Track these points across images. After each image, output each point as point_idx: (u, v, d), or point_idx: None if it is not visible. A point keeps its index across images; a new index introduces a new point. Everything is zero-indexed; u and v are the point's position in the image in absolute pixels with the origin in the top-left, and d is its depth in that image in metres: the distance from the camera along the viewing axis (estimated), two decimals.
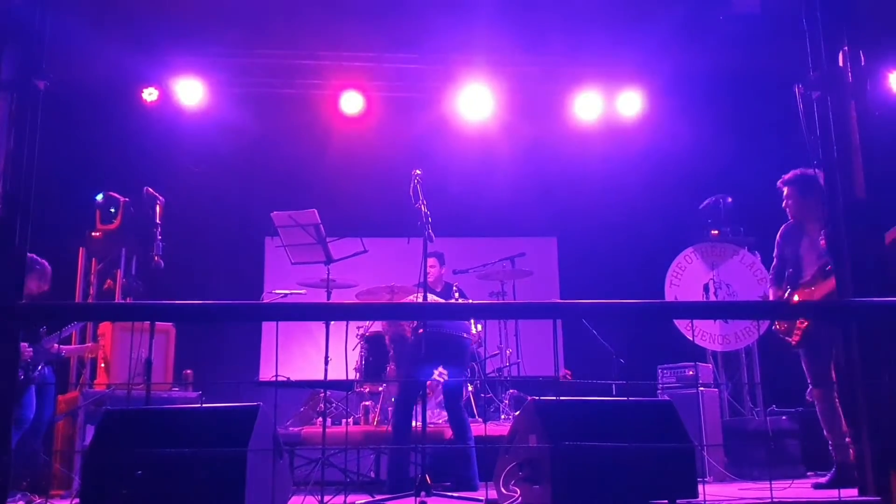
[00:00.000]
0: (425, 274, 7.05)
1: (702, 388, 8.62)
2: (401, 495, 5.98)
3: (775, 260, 7.31)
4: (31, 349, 7.01)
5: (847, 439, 6.60)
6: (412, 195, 6.96)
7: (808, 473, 8.15)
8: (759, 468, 8.09)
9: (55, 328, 7.67)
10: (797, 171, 7.08)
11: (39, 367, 7.30)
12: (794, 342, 6.97)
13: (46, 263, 7.68)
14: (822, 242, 6.74)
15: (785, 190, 7.13)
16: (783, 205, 7.13)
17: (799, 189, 7.04)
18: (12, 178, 5.24)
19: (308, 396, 9.84)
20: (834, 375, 6.76)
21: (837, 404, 6.81)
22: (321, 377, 7.07)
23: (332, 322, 7.02)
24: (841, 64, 5.56)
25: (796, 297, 7.00)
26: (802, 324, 6.90)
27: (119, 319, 7.87)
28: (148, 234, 8.10)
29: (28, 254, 5.40)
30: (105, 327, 8.14)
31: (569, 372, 10.47)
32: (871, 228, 5.44)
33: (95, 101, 10.44)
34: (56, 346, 7.82)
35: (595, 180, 11.35)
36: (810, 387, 6.99)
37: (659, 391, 8.95)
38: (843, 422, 6.72)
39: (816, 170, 6.42)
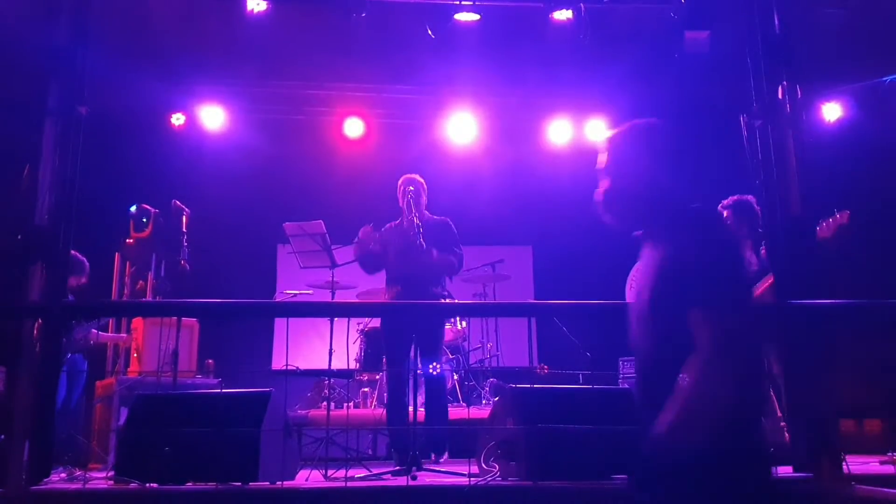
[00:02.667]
0: (415, 277, 7.01)
1: None
2: (394, 470, 5.96)
3: None
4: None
5: (782, 423, 6.61)
6: (406, 208, 6.95)
7: None
8: None
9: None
10: (734, 197, 7.12)
11: (68, 356, 7.31)
12: None
13: (83, 258, 7.68)
14: (763, 252, 6.78)
15: (724, 213, 7.18)
16: None
17: (735, 213, 7.09)
18: (57, 192, 5.24)
19: (314, 383, 9.83)
20: (766, 367, 6.79)
21: (771, 393, 6.83)
22: (326, 367, 7.05)
23: (336, 318, 7.00)
24: (780, 97, 5.59)
25: None
26: None
27: (150, 315, 7.86)
28: (175, 241, 8.06)
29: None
30: (137, 322, 8.12)
31: (545, 366, 10.46)
32: (806, 240, 5.48)
33: (130, 125, 10.42)
34: (94, 331, 7.82)
35: (565, 196, 11.30)
36: None
37: (620, 380, 8.96)
38: (777, 407, 6.73)
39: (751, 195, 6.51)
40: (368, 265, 7.21)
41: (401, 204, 7.08)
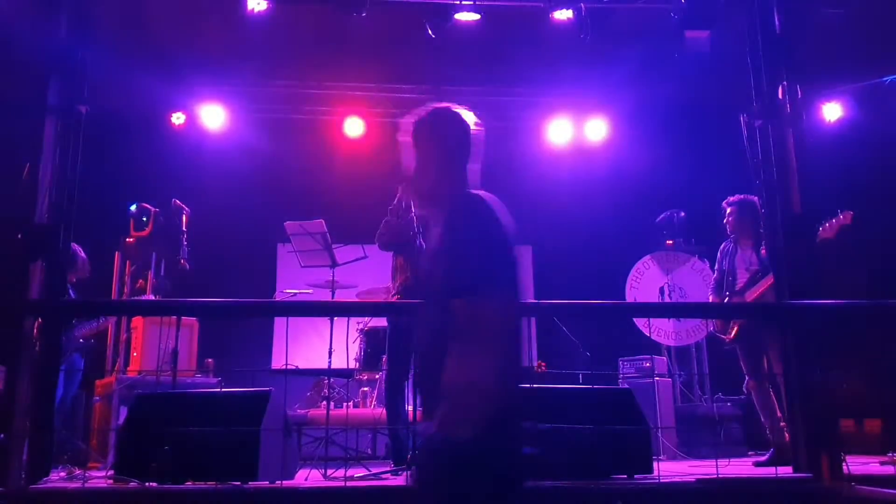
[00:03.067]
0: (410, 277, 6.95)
1: (657, 378, 8.63)
2: (392, 469, 5.95)
3: (716, 272, 7.39)
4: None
5: (782, 424, 6.61)
6: (405, 207, 6.92)
7: (750, 453, 8.15)
8: (707, 448, 8.09)
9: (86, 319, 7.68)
10: (740, 196, 7.13)
11: (67, 355, 7.29)
12: (728, 339, 7.02)
13: (80, 251, 7.56)
14: (763, 252, 6.78)
15: (728, 209, 7.20)
16: (724, 221, 7.20)
17: (739, 210, 7.11)
18: (57, 191, 5.24)
19: (314, 383, 9.82)
20: (766, 367, 6.79)
21: (771, 393, 6.83)
22: (325, 366, 7.04)
23: (335, 318, 7.00)
24: (780, 96, 5.59)
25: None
26: (736, 324, 6.95)
27: (150, 315, 7.85)
28: (175, 240, 8.06)
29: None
30: (137, 321, 8.11)
31: (543, 363, 10.44)
32: (806, 240, 5.47)
33: (130, 123, 10.41)
34: (90, 327, 7.77)
35: (566, 196, 11.34)
36: (747, 378, 7.01)
37: (620, 380, 8.96)
38: (778, 408, 6.73)
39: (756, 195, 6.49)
40: (387, 238, 7.05)
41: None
